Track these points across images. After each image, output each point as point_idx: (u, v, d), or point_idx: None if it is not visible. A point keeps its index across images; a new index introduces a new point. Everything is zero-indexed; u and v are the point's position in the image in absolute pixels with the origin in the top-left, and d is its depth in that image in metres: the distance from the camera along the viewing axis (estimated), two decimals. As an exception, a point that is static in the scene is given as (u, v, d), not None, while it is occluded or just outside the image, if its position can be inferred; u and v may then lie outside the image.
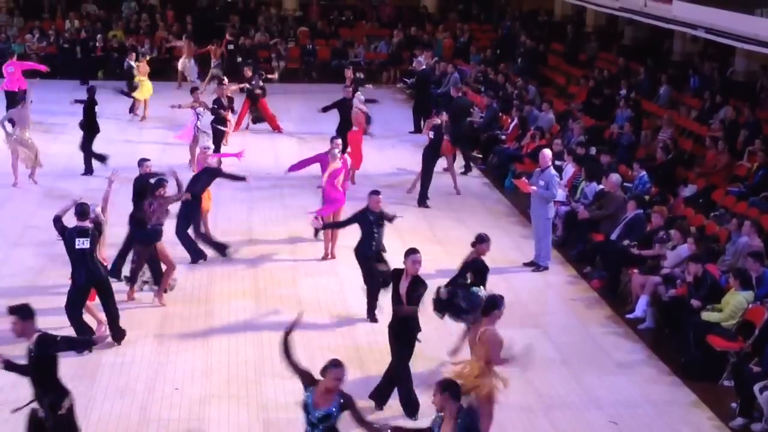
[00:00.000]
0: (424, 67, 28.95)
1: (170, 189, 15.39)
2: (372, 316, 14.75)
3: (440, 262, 16.53)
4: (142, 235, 14.94)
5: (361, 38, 37.40)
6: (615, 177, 18.12)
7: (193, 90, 23.80)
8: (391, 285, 12.12)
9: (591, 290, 16.57)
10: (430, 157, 20.90)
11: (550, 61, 33.82)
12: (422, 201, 20.55)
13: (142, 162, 16.39)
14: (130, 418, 11.77)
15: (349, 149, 21.24)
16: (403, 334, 11.89)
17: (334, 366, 9.07)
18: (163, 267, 15.12)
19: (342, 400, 9.03)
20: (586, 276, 17.10)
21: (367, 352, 13.68)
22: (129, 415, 11.85)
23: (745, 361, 12.74)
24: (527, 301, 15.63)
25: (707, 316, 13.83)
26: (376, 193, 15.00)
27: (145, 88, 27.66)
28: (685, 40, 30.34)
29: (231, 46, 33.62)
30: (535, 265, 17.27)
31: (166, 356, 13.49)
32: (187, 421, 11.79)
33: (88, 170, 21.86)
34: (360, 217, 14.95)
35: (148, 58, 29.42)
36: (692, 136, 23.08)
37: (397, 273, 12.01)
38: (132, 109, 27.87)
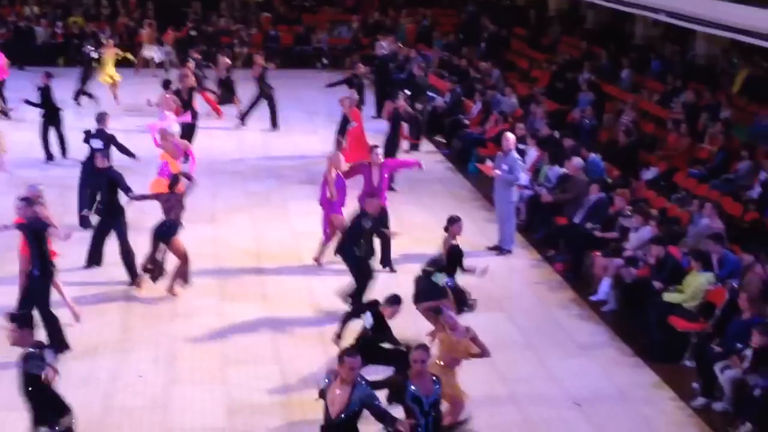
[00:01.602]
0: (384, 51, 28.96)
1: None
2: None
3: (404, 247, 16.58)
4: (164, 230, 14.90)
5: (324, 24, 37.28)
6: (577, 160, 18.19)
7: (167, 84, 23.57)
8: None
9: (554, 273, 16.64)
10: (390, 141, 21.10)
11: (513, 45, 33.87)
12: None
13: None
14: (93, 407, 11.70)
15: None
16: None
17: (415, 348, 9.45)
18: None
19: (435, 377, 9.46)
20: (550, 259, 17.18)
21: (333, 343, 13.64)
22: (92, 403, 11.77)
23: (707, 342, 12.84)
24: (491, 285, 15.61)
25: (669, 297, 13.93)
26: (372, 196, 14.63)
27: (107, 72, 27.43)
28: (647, 23, 30.47)
29: (193, 32, 33.41)
30: (499, 249, 17.32)
31: (129, 344, 13.43)
32: (150, 409, 11.74)
33: (49, 157, 21.80)
34: (355, 222, 14.48)
35: (112, 42, 28.97)
36: (654, 120, 23.20)
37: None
38: (87, 97, 27.59)
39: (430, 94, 26.41)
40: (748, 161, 18.32)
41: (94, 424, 11.34)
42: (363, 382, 8.85)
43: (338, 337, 12.58)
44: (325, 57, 35.21)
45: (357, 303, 13.64)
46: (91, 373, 12.54)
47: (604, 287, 15.37)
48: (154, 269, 15.15)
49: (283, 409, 11.85)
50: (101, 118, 18.29)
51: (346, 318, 12.49)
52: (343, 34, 36.84)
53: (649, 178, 19.25)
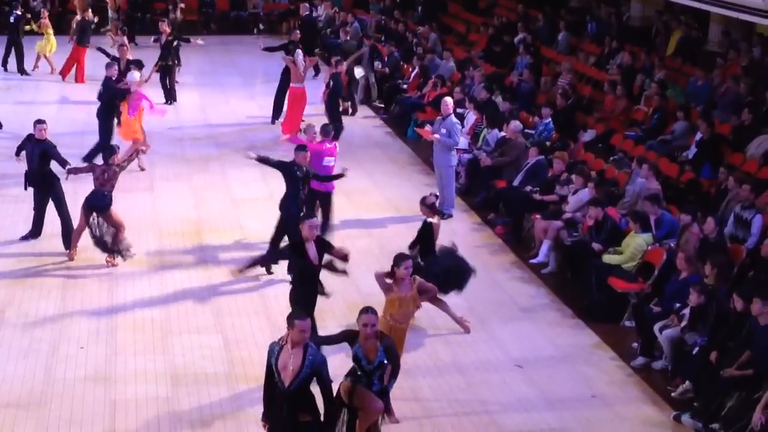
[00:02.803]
0: (308, 12, 28.94)
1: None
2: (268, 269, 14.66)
3: (344, 213, 16.61)
4: (99, 201, 14.62)
5: (259, -12, 36.98)
6: (515, 124, 18.27)
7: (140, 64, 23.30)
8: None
9: (495, 237, 16.73)
10: (330, 106, 21.12)
11: (449, 8, 33.82)
12: None
13: (37, 124, 15.51)
14: (35, 379, 11.61)
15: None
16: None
17: (364, 312, 9.36)
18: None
19: (384, 345, 9.39)
20: (490, 222, 17.26)
21: (275, 309, 13.64)
22: (33, 375, 11.69)
23: (645, 302, 13.02)
24: (432, 249, 15.72)
25: (608, 258, 14.08)
26: (302, 149, 14.43)
27: (51, 42, 27.07)
28: (582, -15, 30.64)
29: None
30: (440, 213, 17.33)
31: (69, 316, 13.29)
32: (93, 380, 11.65)
33: None
34: (287, 169, 14.30)
35: (47, 12, 28.53)
36: (591, 82, 23.34)
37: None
38: (22, 70, 27.20)
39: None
40: (683, 122, 18.53)
41: (35, 396, 11.27)
42: (316, 348, 8.79)
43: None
44: (262, 23, 34.95)
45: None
46: (31, 345, 12.41)
47: (544, 250, 15.49)
48: (108, 244, 14.92)
49: (227, 377, 11.82)
50: (109, 65, 19.79)
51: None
52: (280, -2, 36.60)
53: (587, 140, 19.40)
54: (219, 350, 12.48)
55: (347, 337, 9.60)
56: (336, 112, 21.12)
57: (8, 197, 17.10)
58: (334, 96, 21.39)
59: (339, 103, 21.62)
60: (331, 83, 21.20)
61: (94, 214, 14.69)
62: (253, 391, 11.48)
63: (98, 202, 14.63)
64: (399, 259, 11.10)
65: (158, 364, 12.09)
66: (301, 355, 8.61)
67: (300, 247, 11.42)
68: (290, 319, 8.71)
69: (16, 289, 13.94)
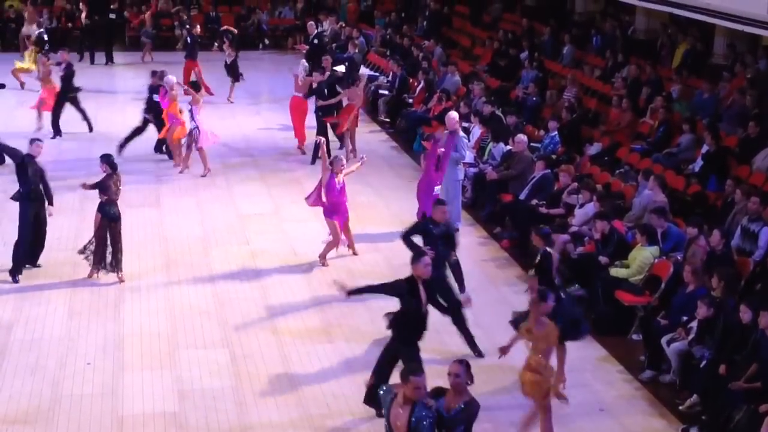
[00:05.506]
0: (317, 30, 29.03)
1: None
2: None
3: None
4: (113, 214, 14.65)
5: (265, 4, 37.03)
6: (522, 137, 18.27)
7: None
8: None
9: (501, 250, 16.72)
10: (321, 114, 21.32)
11: (454, 23, 33.87)
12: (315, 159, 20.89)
13: (33, 142, 15.33)
14: (42, 396, 11.61)
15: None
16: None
17: (454, 362, 8.84)
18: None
19: (463, 406, 8.72)
20: (497, 236, 17.24)
21: (282, 324, 13.62)
22: (40, 392, 11.69)
23: (653, 315, 13.00)
24: (439, 263, 15.68)
25: (615, 272, 14.06)
26: (441, 203, 13.66)
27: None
28: (587, -1, 30.69)
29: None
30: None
31: (77, 331, 13.30)
32: (100, 396, 11.66)
33: None
34: (422, 229, 13.28)
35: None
36: (596, 95, 23.31)
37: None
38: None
39: (372, 72, 26.54)
40: (689, 135, 18.50)
41: (43, 412, 11.28)
42: (425, 409, 8.31)
43: None
44: (267, 38, 35.02)
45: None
46: (38, 362, 12.42)
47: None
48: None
49: (234, 392, 11.82)
50: (161, 75, 20.66)
51: None
52: (285, 14, 36.63)
53: (593, 153, 19.38)
54: (226, 365, 12.48)
55: (435, 393, 8.94)
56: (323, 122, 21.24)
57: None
58: (326, 105, 21.37)
59: (330, 112, 21.45)
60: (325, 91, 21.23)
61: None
62: (260, 406, 11.50)
63: (111, 213, 14.67)
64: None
65: (165, 379, 12.10)
66: (407, 415, 8.24)
67: (413, 285, 10.95)
68: (405, 374, 8.34)
69: (23, 306, 13.96)
